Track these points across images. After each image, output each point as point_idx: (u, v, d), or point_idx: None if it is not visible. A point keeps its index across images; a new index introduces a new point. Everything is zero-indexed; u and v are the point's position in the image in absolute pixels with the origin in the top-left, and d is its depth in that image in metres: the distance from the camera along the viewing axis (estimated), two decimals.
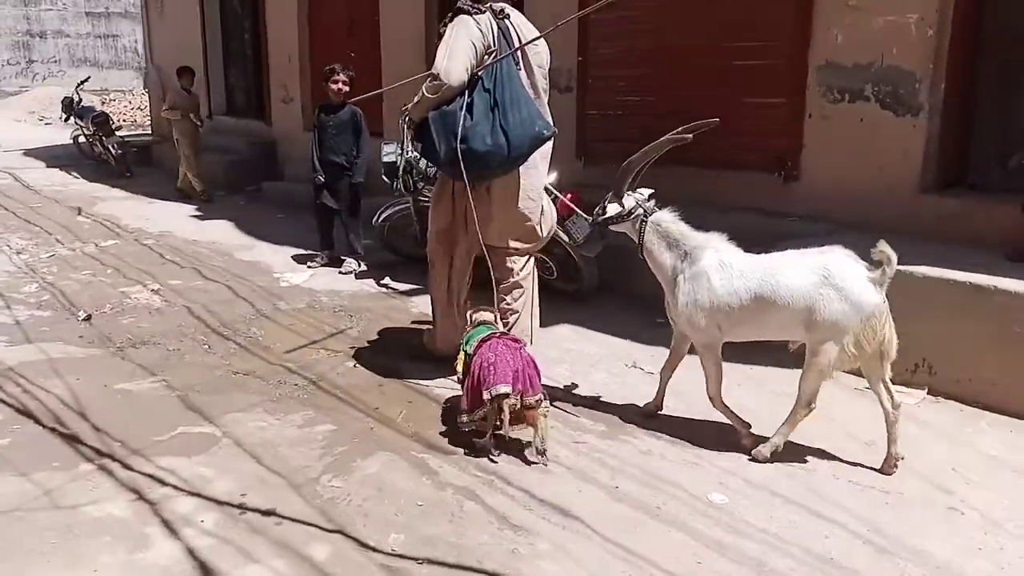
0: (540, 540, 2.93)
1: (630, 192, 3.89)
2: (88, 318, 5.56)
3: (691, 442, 3.79)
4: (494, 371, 3.46)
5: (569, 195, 5.61)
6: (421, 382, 4.50)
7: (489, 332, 3.79)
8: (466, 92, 3.93)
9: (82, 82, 13.43)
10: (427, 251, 4.59)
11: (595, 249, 5.68)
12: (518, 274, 4.43)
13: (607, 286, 6.01)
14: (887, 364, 3.48)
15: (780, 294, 3.42)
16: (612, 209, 3.92)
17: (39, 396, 4.07)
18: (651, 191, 3.97)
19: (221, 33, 12.61)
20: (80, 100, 12.85)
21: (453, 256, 4.45)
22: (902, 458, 3.53)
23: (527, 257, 4.50)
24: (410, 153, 6.43)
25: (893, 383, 3.58)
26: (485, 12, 4.06)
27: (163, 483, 3.23)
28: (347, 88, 7.07)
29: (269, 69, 11.30)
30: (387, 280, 6.64)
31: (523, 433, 3.60)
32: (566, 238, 5.56)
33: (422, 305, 5.92)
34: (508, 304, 4.41)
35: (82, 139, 12.85)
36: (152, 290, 6.19)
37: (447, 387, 4.41)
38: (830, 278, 3.34)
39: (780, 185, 5.91)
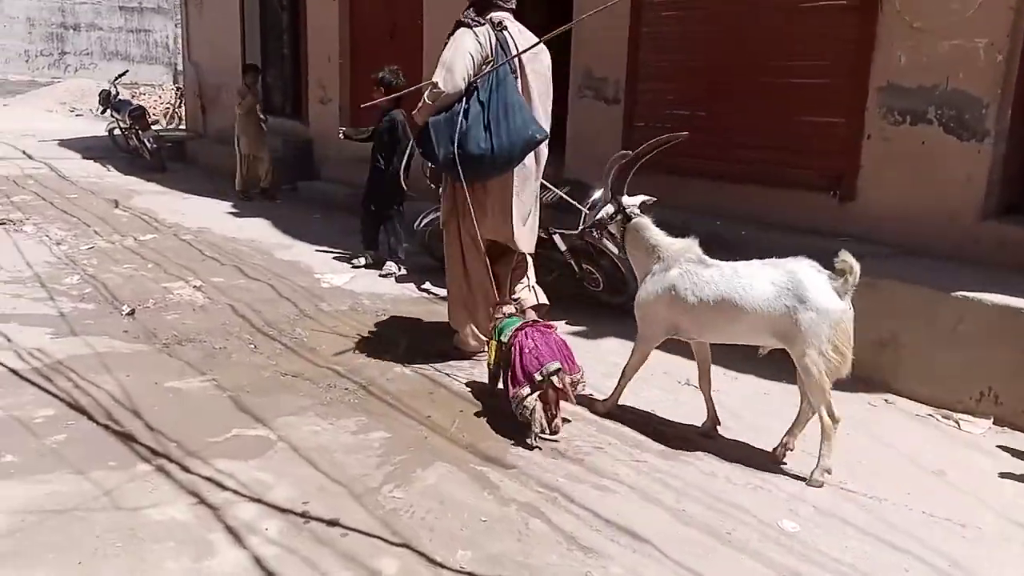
0: (612, 563, 2.85)
1: (614, 199, 4.16)
2: (132, 313, 5.53)
3: (754, 466, 3.70)
4: (539, 353, 3.77)
5: None
6: (471, 391, 4.43)
7: (521, 322, 4.06)
8: (463, 99, 4.28)
9: (119, 76, 13.52)
10: (447, 256, 4.90)
11: None
12: (518, 266, 4.80)
13: None
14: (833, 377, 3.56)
15: (746, 302, 3.58)
16: (603, 212, 4.19)
17: (90, 391, 4.03)
18: (645, 199, 4.22)
19: (260, 32, 12.64)
20: (117, 93, 12.92)
21: (463, 251, 4.73)
22: (791, 449, 3.74)
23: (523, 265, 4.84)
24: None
25: (955, 410, 3.46)
26: (484, 24, 4.38)
27: (223, 487, 3.17)
28: (380, 95, 6.98)
29: (308, 69, 11.30)
30: (427, 285, 6.58)
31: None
32: (616, 250, 5.51)
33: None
34: (515, 288, 4.81)
35: (117, 132, 12.92)
36: (194, 286, 6.16)
37: (500, 394, 4.34)
38: (794, 288, 3.48)
39: (835, 205, 5.80)
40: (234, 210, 9.46)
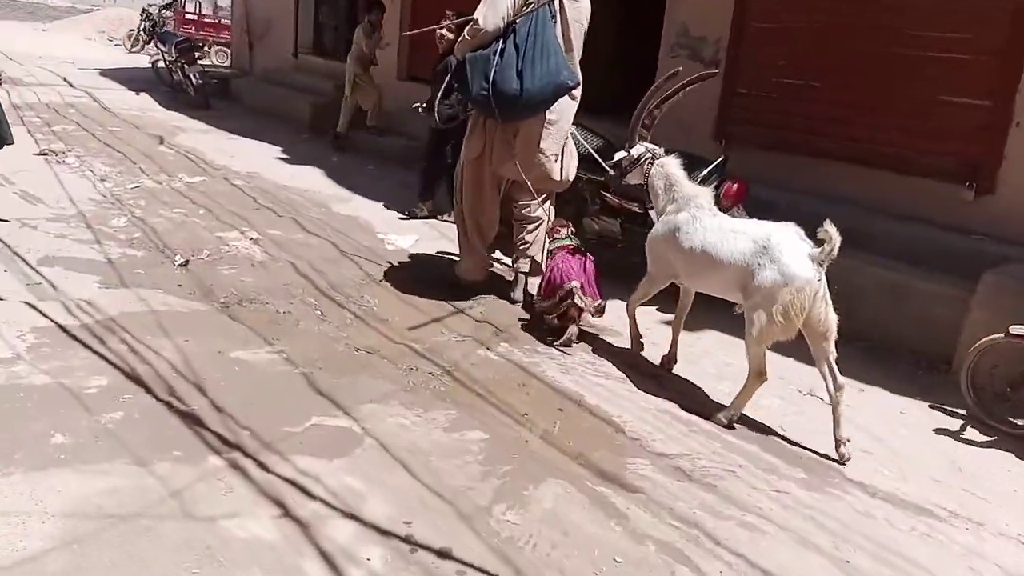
0: None
1: (640, 142, 4.26)
2: (185, 264, 5.04)
3: (910, 503, 3.17)
4: (567, 272, 4.35)
5: (736, 185, 4.96)
6: (567, 384, 3.92)
7: (560, 244, 4.61)
8: (502, 39, 4.32)
9: (166, 5, 12.89)
10: (455, 180, 4.96)
11: None
12: (535, 210, 4.80)
13: None
14: (830, 343, 3.54)
15: (723, 254, 3.66)
16: (620, 155, 4.26)
17: (148, 358, 3.56)
18: (668, 150, 4.28)
19: None
20: (163, 24, 12.32)
21: (483, 188, 4.77)
22: (848, 440, 3.52)
23: (544, 196, 4.83)
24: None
25: None
26: None
27: (309, 495, 2.68)
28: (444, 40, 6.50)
29: (359, 8, 10.62)
30: (497, 254, 6.00)
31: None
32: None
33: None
34: (524, 237, 4.85)
35: (161, 65, 12.35)
36: (251, 239, 5.65)
37: (597, 390, 3.84)
38: (769, 248, 3.50)
39: (969, 198, 5.17)
40: (284, 155, 8.92)
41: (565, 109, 4.58)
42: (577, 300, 4.31)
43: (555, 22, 4.37)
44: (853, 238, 5.46)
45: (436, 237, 6.31)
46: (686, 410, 3.79)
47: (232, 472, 2.77)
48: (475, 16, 4.36)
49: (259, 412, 3.22)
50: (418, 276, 5.33)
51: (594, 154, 5.22)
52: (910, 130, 5.47)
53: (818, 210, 5.61)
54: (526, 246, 4.86)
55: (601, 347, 4.47)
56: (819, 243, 3.42)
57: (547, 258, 4.59)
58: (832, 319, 3.53)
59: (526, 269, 4.90)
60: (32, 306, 3.98)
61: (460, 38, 4.57)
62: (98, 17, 28.12)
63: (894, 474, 3.41)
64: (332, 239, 5.89)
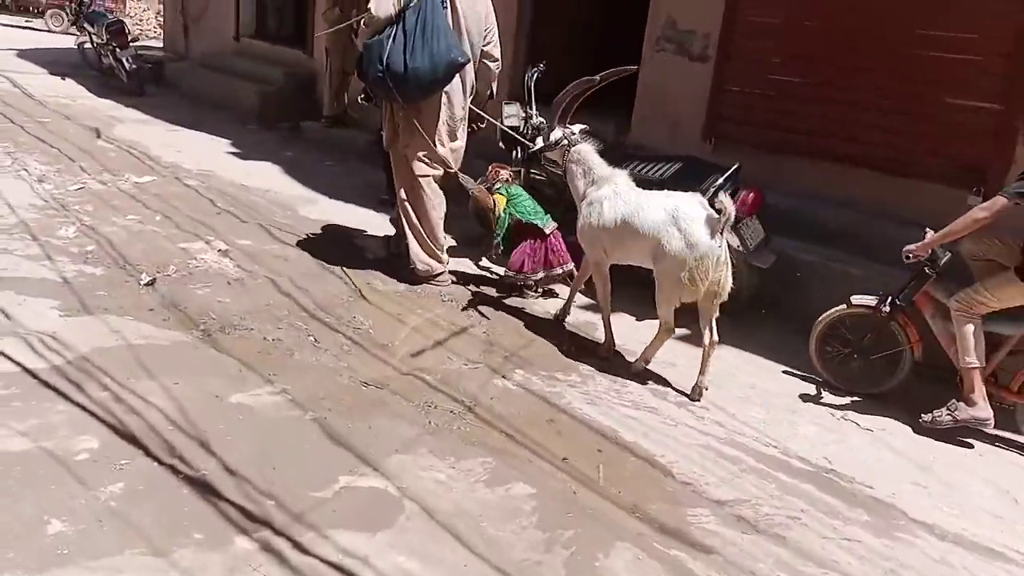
0: None
1: (560, 126, 4.41)
2: (152, 282, 4.55)
3: (980, 545, 3.01)
4: (560, 255, 4.95)
5: (752, 194, 4.74)
6: (597, 417, 3.64)
7: (543, 216, 5.04)
8: (393, 25, 4.55)
9: None
10: (395, 171, 5.11)
11: (767, 260, 4.89)
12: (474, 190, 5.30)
13: (763, 300, 5.14)
14: (717, 304, 3.92)
15: (640, 225, 3.92)
16: (551, 137, 4.45)
17: (138, 408, 3.11)
18: (583, 127, 4.47)
19: None
20: (92, 4, 11.40)
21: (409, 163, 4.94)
22: (707, 388, 3.93)
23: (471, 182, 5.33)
24: (536, 118, 5.48)
25: None
26: None
27: None
28: None
29: None
30: (485, 262, 5.66)
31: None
32: (734, 242, 4.72)
33: (544, 301, 5.04)
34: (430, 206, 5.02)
35: (89, 47, 11.44)
36: (219, 251, 5.16)
37: (631, 424, 3.57)
38: (677, 218, 3.79)
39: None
40: (235, 149, 8.31)
41: (460, 88, 4.86)
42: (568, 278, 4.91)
43: (446, 10, 4.61)
44: (851, 243, 5.41)
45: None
46: (728, 444, 3.56)
47: (266, 556, 2.38)
48: (369, 6, 4.61)
49: (279, 473, 2.83)
50: (406, 289, 4.96)
51: (512, 133, 5.35)
52: (913, 132, 5.33)
53: (817, 213, 5.57)
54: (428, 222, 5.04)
55: (619, 368, 4.20)
56: (718, 212, 3.70)
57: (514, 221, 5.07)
58: (728, 283, 3.89)
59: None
60: None
61: (360, 28, 4.80)
62: None
63: (954, 511, 3.25)
64: (308, 249, 5.44)
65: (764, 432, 3.72)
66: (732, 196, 4.70)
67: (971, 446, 3.83)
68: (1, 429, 2.85)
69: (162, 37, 14.32)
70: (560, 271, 4.97)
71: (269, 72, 10.25)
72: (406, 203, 5.01)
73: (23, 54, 13.06)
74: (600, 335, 4.35)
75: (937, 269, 3.91)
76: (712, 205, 3.82)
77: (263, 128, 9.50)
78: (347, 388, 3.63)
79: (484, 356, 4.17)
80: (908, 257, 3.86)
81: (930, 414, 3.84)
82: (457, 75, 4.71)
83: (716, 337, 3.96)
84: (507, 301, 4.94)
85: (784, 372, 4.45)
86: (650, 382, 4.09)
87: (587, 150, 4.33)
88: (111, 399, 3.15)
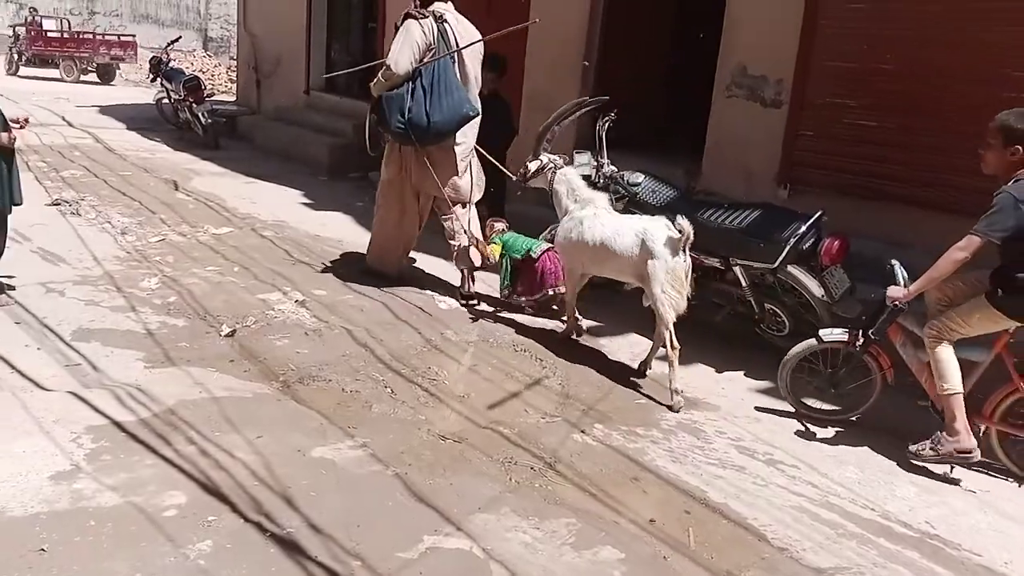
0: None
1: (544, 152, 4.94)
2: (232, 333, 4.61)
3: None
4: (553, 275, 5.21)
5: (836, 242, 4.60)
6: (683, 476, 3.51)
7: (534, 244, 5.39)
8: (411, 80, 5.09)
9: (172, 42, 12.50)
10: (377, 196, 5.71)
11: (854, 309, 4.71)
12: (455, 212, 5.49)
13: None
14: (678, 312, 4.32)
15: (615, 246, 4.45)
16: (533, 165, 4.95)
17: (223, 463, 3.11)
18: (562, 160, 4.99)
19: (327, 2, 11.64)
20: (169, 61, 11.92)
21: (404, 202, 5.57)
22: (680, 390, 4.24)
23: (450, 216, 5.51)
24: (607, 167, 5.45)
25: None
26: (428, 17, 5.15)
27: None
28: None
29: (384, 44, 10.28)
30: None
31: None
32: (819, 292, 4.57)
33: (616, 349, 4.96)
34: (452, 243, 5.56)
35: (167, 103, 11.92)
36: (296, 301, 5.22)
37: (719, 484, 3.43)
38: (646, 240, 4.31)
39: None
40: (307, 200, 8.49)
41: (468, 133, 5.39)
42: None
43: (454, 62, 5.18)
44: None
45: (489, 292, 5.90)
46: (823, 507, 3.39)
47: None
48: (387, 61, 5.12)
49: (364, 532, 2.78)
50: (479, 338, 4.94)
51: (497, 164, 5.78)
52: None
53: (903, 261, 5.37)
54: (457, 249, 5.54)
55: (703, 423, 4.07)
56: (680, 232, 4.20)
57: (515, 259, 5.41)
58: (688, 292, 4.36)
59: (465, 267, 5.56)
60: (80, 398, 3.52)
61: (375, 80, 5.25)
62: None
63: None
64: (382, 299, 5.46)
65: (860, 493, 3.54)
66: (815, 244, 4.60)
67: None
68: (92, 483, 2.88)
69: (234, 92, 14.90)
70: (552, 291, 5.26)
71: (338, 124, 10.51)
72: (380, 215, 5.71)
73: (104, 110, 13.70)
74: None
75: (907, 304, 3.82)
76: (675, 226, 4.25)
77: (334, 179, 9.72)
78: (426, 442, 3.58)
79: (561, 409, 4.09)
80: (894, 305, 3.75)
81: (915, 446, 3.76)
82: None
83: (676, 344, 4.31)
84: (583, 349, 4.87)
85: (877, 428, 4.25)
86: (733, 438, 3.95)
87: (572, 173, 4.89)
88: (197, 453, 3.16)
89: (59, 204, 7.15)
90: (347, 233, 7.25)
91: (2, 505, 2.74)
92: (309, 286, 5.56)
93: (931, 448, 3.72)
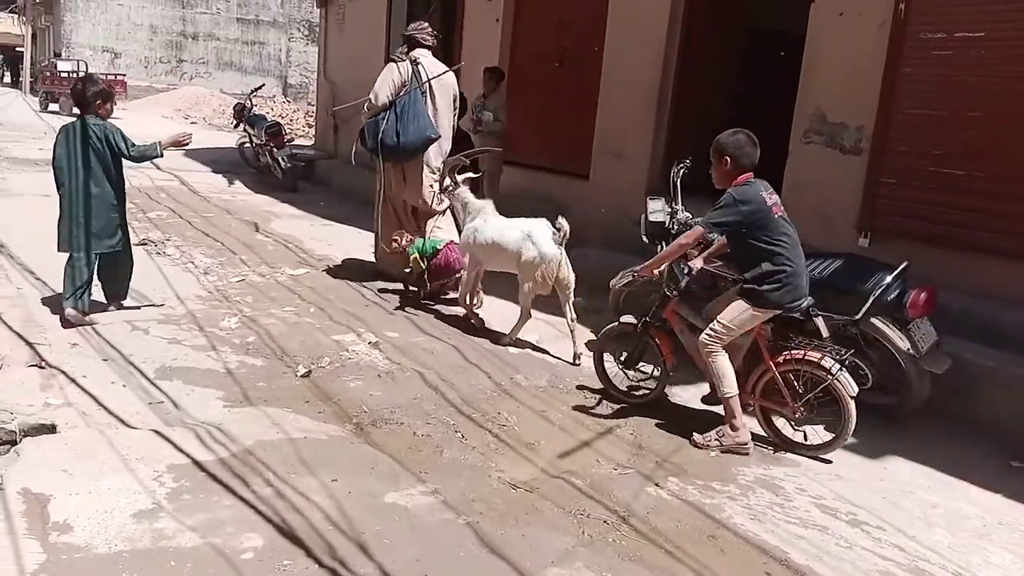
0: None
1: (455, 184, 5.99)
2: (307, 374, 4.69)
3: None
4: (458, 262, 6.07)
5: (923, 294, 4.43)
6: (762, 535, 3.38)
7: (438, 243, 6.24)
8: (388, 110, 6.32)
9: (255, 90, 13.04)
10: (376, 211, 6.80)
11: (941, 364, 4.52)
12: (433, 219, 6.61)
13: (937, 408, 4.74)
14: (569, 293, 5.31)
15: (503, 242, 5.38)
16: (464, 199, 5.96)
17: (299, 505, 3.14)
18: (471, 175, 6.13)
19: None
20: (252, 107, 12.42)
21: (395, 212, 6.68)
22: (581, 353, 5.24)
23: (432, 217, 6.62)
24: (682, 213, 5.40)
25: None
26: (405, 60, 6.43)
27: None
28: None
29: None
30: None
31: None
32: (904, 346, 4.40)
33: (689, 399, 4.86)
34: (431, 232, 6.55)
35: (248, 147, 12.40)
36: (370, 343, 5.28)
37: (801, 544, 3.29)
38: (529, 236, 5.22)
39: None
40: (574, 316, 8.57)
41: (434, 154, 6.45)
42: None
43: (426, 98, 6.33)
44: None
45: (555, 337, 5.86)
46: (911, 572, 3.21)
47: None
48: (369, 96, 6.38)
49: None
50: (548, 384, 4.90)
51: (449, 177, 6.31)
52: None
53: (993, 313, 5.14)
54: (438, 228, 6.57)
55: (783, 480, 3.93)
56: (558, 230, 5.15)
57: (423, 257, 6.22)
58: (571, 278, 5.30)
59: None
60: (162, 435, 3.61)
61: (363, 110, 6.53)
62: (175, 96, 29.15)
63: None
64: (453, 342, 5.49)
65: (951, 559, 3.35)
66: (901, 296, 4.44)
67: None
68: (173, 523, 2.93)
69: (312, 136, 15.40)
70: (455, 277, 6.22)
71: None
72: (378, 222, 6.79)
73: (189, 153, 14.28)
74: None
75: (676, 290, 4.50)
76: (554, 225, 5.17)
77: None
78: (497, 490, 3.55)
79: (634, 460, 4.01)
80: (633, 276, 4.58)
81: (701, 437, 4.17)
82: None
83: (573, 315, 5.33)
84: (655, 400, 4.78)
85: (967, 486, 4.04)
86: (814, 496, 3.79)
87: (464, 192, 5.94)
88: (274, 495, 3.19)
89: (146, 244, 7.45)
90: None
91: (87, 542, 2.81)
92: (382, 328, 5.63)
93: (716, 439, 4.16)
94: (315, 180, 12.43)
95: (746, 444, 4.12)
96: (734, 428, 4.13)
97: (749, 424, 4.23)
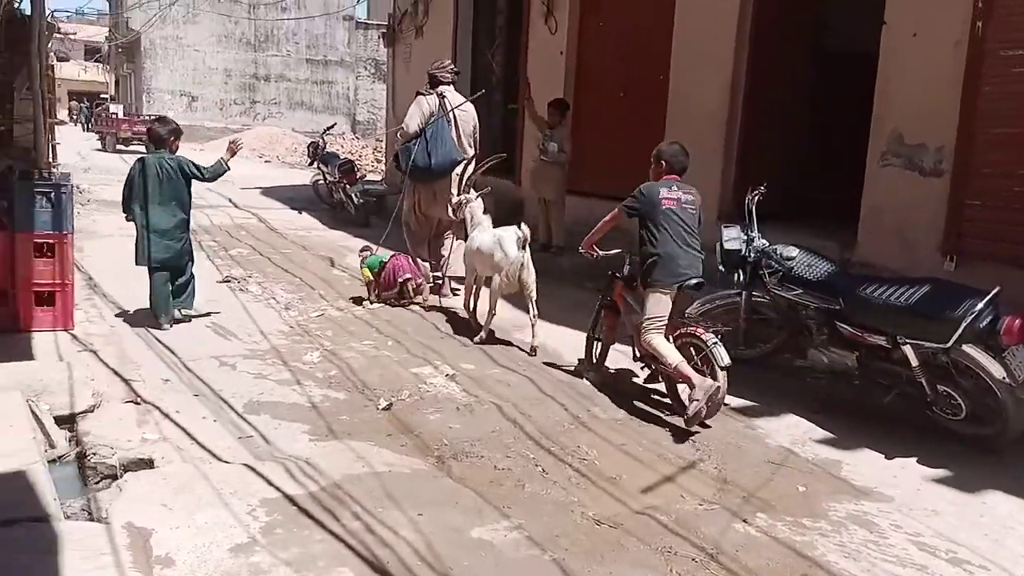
0: None
1: (467, 195, 6.83)
2: (388, 407, 4.77)
3: None
4: (401, 269, 7.04)
5: (1018, 320, 4.26)
6: (857, 573, 3.28)
7: (384, 257, 7.22)
8: (419, 137, 7.23)
9: (327, 129, 13.48)
10: (405, 221, 7.73)
11: None
12: (450, 232, 7.56)
13: None
14: (532, 291, 5.96)
15: (484, 248, 6.18)
16: (457, 200, 6.91)
17: (387, 540, 3.18)
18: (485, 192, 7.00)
19: (470, 86, 12.18)
20: (325, 146, 12.80)
21: (421, 222, 7.61)
22: (536, 346, 5.94)
23: (452, 229, 7.54)
24: (758, 240, 5.33)
25: None
26: (432, 94, 7.34)
27: None
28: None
29: (524, 126, 10.64)
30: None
31: None
32: (999, 374, 4.23)
33: (773, 431, 4.76)
34: (443, 247, 7.67)
35: (322, 183, 12.76)
36: (447, 375, 5.35)
37: None
38: (499, 242, 5.96)
39: None
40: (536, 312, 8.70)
41: (455, 175, 7.29)
42: (410, 285, 7.07)
43: (451, 125, 7.27)
44: None
45: (631, 366, 5.83)
46: None
47: None
48: (402, 126, 7.41)
49: None
50: (627, 416, 4.87)
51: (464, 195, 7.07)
52: None
53: None
54: (446, 254, 7.67)
55: (876, 516, 3.80)
56: (523, 235, 5.84)
57: (373, 270, 7.23)
58: (532, 277, 5.95)
59: (448, 272, 7.66)
60: (254, 470, 3.72)
61: (397, 137, 7.87)
62: (249, 135, 30.12)
63: None
64: (527, 374, 5.51)
65: None
66: (994, 323, 4.29)
67: None
68: (268, 557, 3.01)
69: (380, 171, 15.75)
70: (401, 282, 7.06)
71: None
72: (408, 232, 7.70)
73: (266, 191, 14.81)
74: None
75: (621, 274, 5.27)
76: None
77: None
78: (581, 526, 3.53)
79: (719, 495, 3.93)
80: (580, 252, 5.44)
81: (683, 416, 4.63)
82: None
83: (536, 312, 5.96)
84: (739, 431, 4.70)
85: None
86: (911, 533, 3.66)
87: (477, 205, 6.70)
88: (363, 529, 3.25)
89: (229, 281, 7.72)
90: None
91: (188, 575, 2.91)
92: (457, 360, 5.69)
93: (692, 410, 4.53)
94: (385, 214, 12.66)
95: (715, 385, 4.50)
96: (693, 386, 4.57)
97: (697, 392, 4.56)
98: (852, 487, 4.07)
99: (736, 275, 5.40)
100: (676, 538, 3.48)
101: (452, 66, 7.64)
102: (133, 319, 6.26)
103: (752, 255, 5.27)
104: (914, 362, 4.56)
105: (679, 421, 4.71)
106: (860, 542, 3.55)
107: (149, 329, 5.97)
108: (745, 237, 5.37)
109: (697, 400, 4.51)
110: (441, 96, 7.30)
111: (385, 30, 14.39)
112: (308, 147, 13.14)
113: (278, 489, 3.53)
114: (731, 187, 7.64)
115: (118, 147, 25.70)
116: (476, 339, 6.11)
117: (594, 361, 5.54)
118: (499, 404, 4.90)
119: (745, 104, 7.63)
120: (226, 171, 6.20)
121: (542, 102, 9.55)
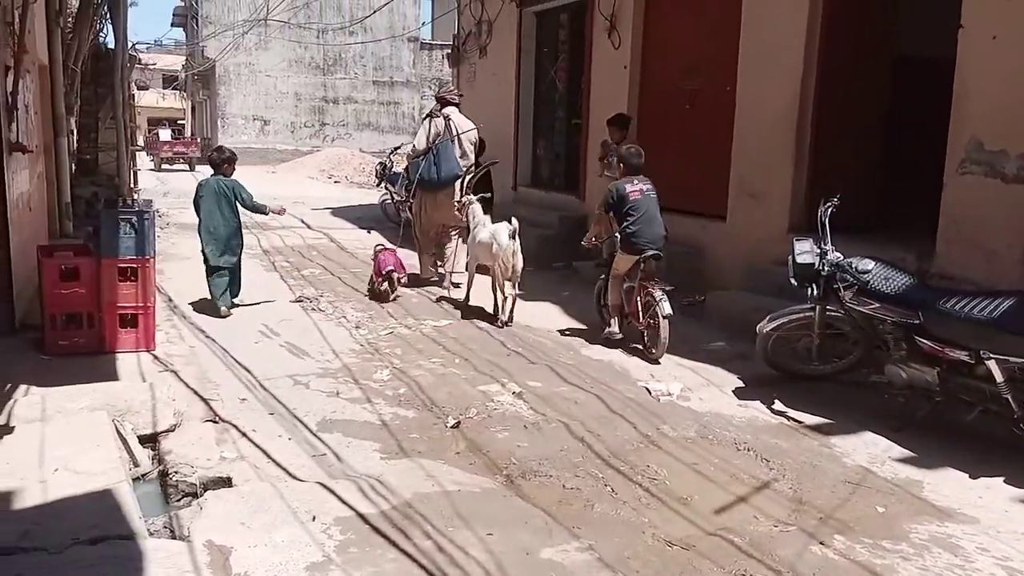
0: None
1: (469, 198, 8.03)
2: (457, 425, 4.81)
3: None
4: (385, 263, 8.00)
5: None
6: None
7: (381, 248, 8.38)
8: (427, 153, 8.48)
9: (394, 150, 13.67)
10: (415, 230, 9.02)
11: None
12: (453, 237, 8.78)
13: None
14: (518, 274, 7.10)
15: (482, 240, 7.34)
16: (474, 212, 7.78)
17: (459, 560, 3.21)
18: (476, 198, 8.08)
19: (534, 103, 12.27)
20: (391, 166, 13.03)
21: (428, 230, 8.83)
22: (509, 322, 7.19)
23: (456, 230, 8.70)
24: (832, 253, 5.21)
25: None
26: (439, 116, 8.58)
27: None
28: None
29: (588, 141, 10.64)
30: (779, 405, 5.34)
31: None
32: None
33: (850, 450, 4.63)
34: (446, 249, 8.87)
35: (389, 203, 12.98)
36: (514, 393, 5.37)
37: None
38: (494, 234, 7.10)
39: None
40: (518, 292, 8.77)
41: (456, 186, 8.50)
42: (394, 276, 8.00)
43: (455, 143, 8.44)
44: None
45: (705, 384, 5.75)
46: None
47: None
48: (414, 143, 8.76)
49: None
50: (697, 435, 4.79)
51: (468, 193, 8.44)
52: None
53: None
54: (449, 256, 8.84)
55: (960, 538, 3.65)
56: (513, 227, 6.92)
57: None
58: (520, 262, 7.02)
59: (451, 269, 8.79)
60: (328, 488, 3.80)
61: (408, 154, 9.45)
62: (319, 157, 31.00)
63: None
64: (594, 390, 5.49)
65: None
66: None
67: None
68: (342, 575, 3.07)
69: None
70: (388, 272, 7.96)
71: (544, 217, 10.89)
72: (418, 238, 8.94)
73: (336, 212, 15.16)
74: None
75: (610, 254, 6.69)
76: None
77: (540, 269, 9.99)
78: (652, 548, 3.49)
79: (795, 516, 3.84)
80: (583, 244, 7.06)
81: (604, 334, 6.66)
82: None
83: (514, 293, 7.15)
84: (814, 449, 4.58)
85: None
86: (999, 557, 3.49)
87: (475, 206, 7.74)
88: (434, 549, 3.28)
89: (302, 301, 7.92)
90: (555, 322, 7.42)
91: None
92: (524, 377, 5.71)
93: (604, 334, 6.64)
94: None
95: (615, 332, 6.59)
96: (608, 325, 6.63)
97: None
98: (934, 508, 3.92)
99: (809, 289, 5.28)
100: (750, 561, 3.41)
101: (457, 90, 9.41)
102: (212, 339, 6.47)
103: (826, 268, 5.15)
104: (999, 378, 4.37)
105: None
106: (944, 566, 3.42)
107: (227, 350, 6.16)
108: (818, 250, 5.25)
109: (613, 330, 6.57)
110: (447, 118, 8.55)
111: (449, 50, 14.61)
112: (376, 168, 13.39)
113: (351, 508, 3.59)
114: (802, 199, 7.48)
115: (163, 166, 29.79)
116: (459, 299, 7.89)
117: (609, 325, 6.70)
118: (567, 422, 4.90)
119: (815, 114, 7.46)
120: (264, 213, 7.72)
121: (606, 115, 9.52)
